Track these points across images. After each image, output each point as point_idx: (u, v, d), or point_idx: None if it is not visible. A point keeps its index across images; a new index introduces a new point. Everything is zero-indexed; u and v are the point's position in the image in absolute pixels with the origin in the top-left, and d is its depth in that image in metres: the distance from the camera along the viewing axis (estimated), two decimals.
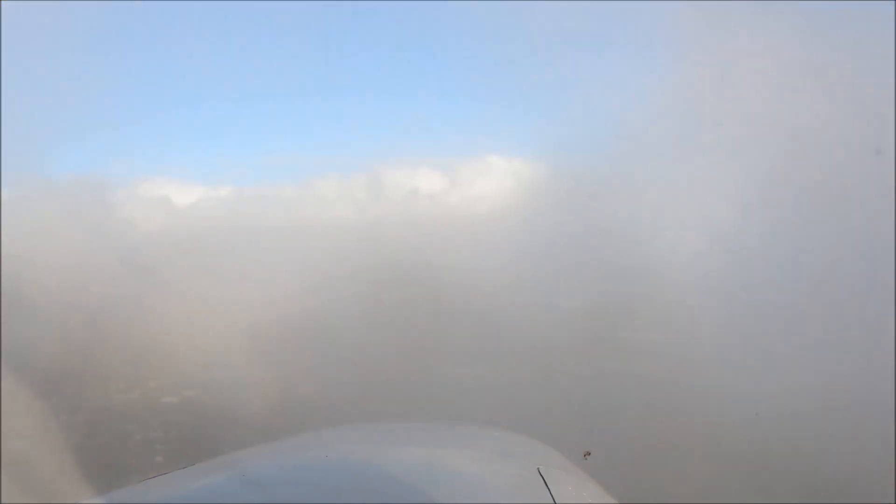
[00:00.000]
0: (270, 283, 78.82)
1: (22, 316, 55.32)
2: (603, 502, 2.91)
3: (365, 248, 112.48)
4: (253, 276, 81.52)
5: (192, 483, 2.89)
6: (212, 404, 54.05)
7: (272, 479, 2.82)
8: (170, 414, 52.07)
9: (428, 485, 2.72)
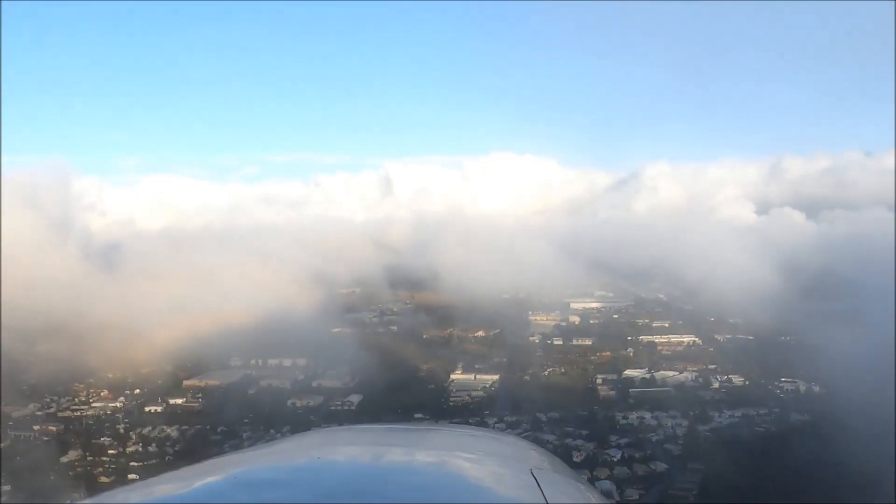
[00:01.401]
0: (268, 284, 74.85)
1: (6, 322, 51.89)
2: (594, 503, 3.03)
3: (372, 245, 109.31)
4: (251, 275, 77.50)
5: (188, 484, 2.79)
6: (199, 412, 49.44)
7: (267, 480, 2.75)
8: (153, 422, 47.79)
9: (423, 486, 2.65)
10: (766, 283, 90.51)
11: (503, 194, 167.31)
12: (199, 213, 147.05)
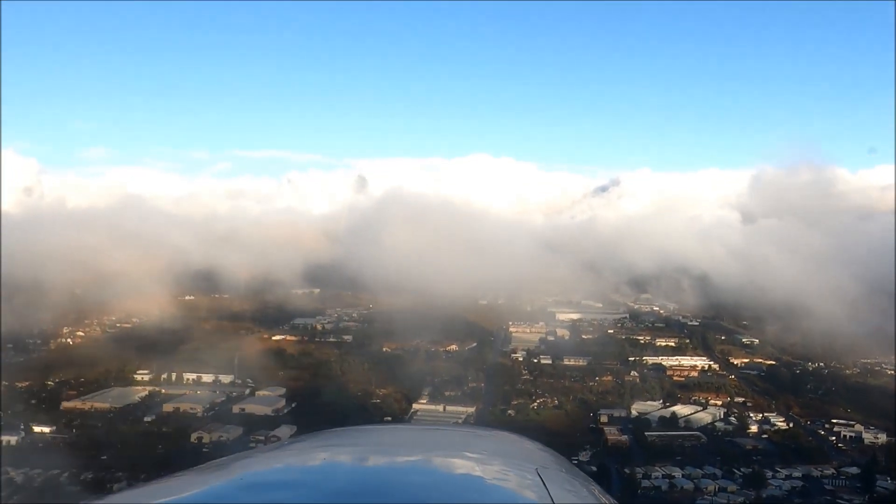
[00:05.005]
0: (189, 278, 61.73)
1: None
2: (600, 502, 2.82)
3: (338, 244, 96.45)
4: (161, 268, 64.39)
5: (197, 485, 2.77)
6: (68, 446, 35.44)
7: (274, 480, 2.71)
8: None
9: (429, 485, 2.63)
10: (776, 298, 79.47)
11: (481, 196, 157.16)
12: (148, 201, 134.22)
